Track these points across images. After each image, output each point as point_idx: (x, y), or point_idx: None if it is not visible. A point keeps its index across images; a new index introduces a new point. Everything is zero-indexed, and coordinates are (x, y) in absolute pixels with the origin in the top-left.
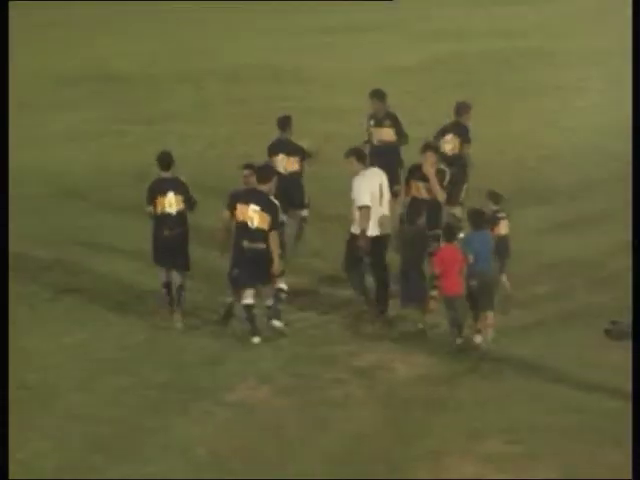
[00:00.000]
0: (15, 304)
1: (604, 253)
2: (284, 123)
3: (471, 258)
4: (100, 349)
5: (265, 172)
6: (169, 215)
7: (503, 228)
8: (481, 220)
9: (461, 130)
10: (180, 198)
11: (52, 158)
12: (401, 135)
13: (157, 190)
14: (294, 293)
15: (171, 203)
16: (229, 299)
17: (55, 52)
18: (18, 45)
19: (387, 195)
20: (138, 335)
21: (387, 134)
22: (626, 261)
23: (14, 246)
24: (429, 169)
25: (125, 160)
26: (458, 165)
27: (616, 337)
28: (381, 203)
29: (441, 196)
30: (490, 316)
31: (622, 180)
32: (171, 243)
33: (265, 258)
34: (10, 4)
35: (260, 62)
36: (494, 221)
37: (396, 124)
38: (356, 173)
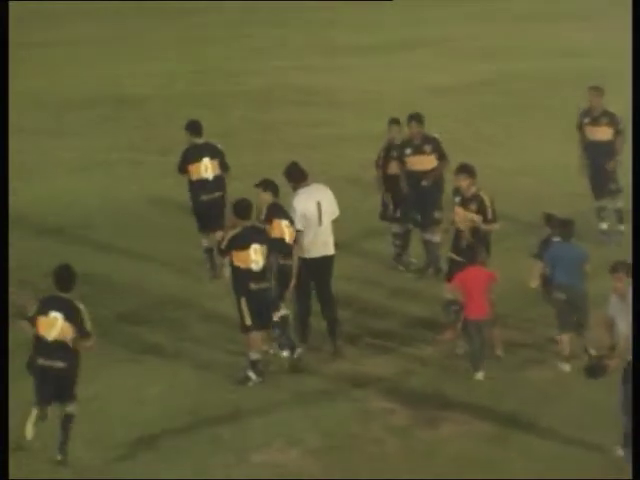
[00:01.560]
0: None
1: None
2: (392, 123)
3: (547, 270)
4: (114, 403)
5: (242, 206)
6: (206, 180)
7: None
8: (569, 230)
9: (614, 119)
10: (216, 163)
11: (59, 189)
12: (444, 159)
13: (190, 157)
14: None
15: (207, 168)
16: (254, 355)
17: (60, 72)
18: (19, 64)
19: (331, 213)
20: (154, 387)
21: (428, 162)
22: None
23: (20, 284)
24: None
25: (139, 192)
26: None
27: (599, 374)
28: (320, 223)
29: (485, 225)
30: (565, 339)
31: None
32: (210, 207)
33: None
34: (10, 4)
35: (288, 84)
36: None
37: (438, 148)
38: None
